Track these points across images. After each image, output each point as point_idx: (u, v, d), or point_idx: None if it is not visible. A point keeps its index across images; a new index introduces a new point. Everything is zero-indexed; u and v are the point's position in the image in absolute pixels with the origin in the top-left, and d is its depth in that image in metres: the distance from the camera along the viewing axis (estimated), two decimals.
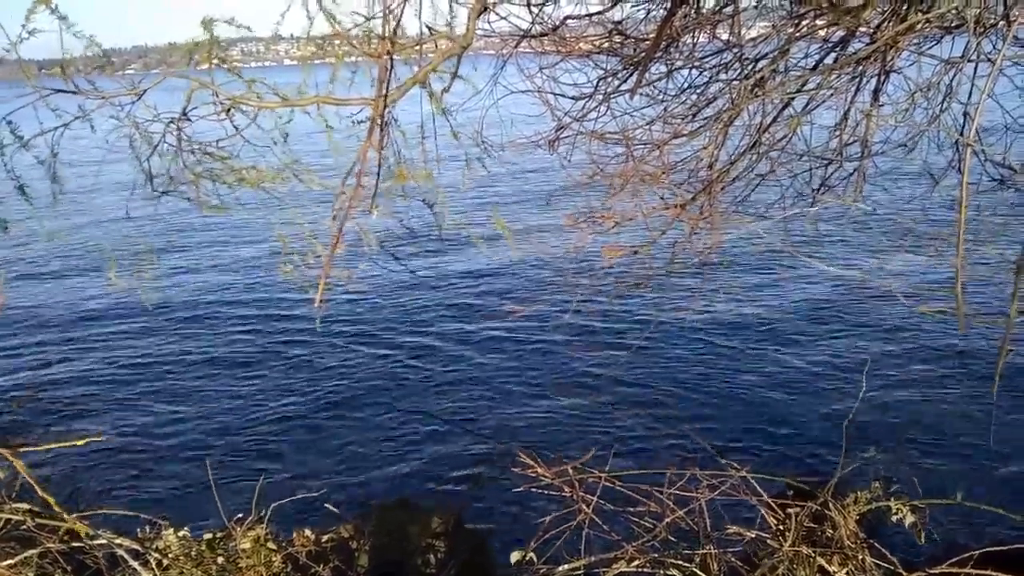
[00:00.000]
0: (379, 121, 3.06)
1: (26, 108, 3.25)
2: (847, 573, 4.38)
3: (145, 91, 3.25)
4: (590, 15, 5.07)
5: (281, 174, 3.61)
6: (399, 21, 3.06)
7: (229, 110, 3.32)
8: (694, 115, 5.09)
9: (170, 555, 5.23)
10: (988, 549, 4.41)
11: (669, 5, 4.53)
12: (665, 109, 5.25)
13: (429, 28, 3.29)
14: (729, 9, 4.88)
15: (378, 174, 3.26)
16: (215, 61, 3.20)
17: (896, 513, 4.75)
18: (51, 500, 4.53)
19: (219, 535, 5.56)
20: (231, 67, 3.24)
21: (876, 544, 4.60)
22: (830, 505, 4.67)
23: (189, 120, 3.42)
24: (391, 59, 3.01)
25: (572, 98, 5.31)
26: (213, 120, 3.44)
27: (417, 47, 3.25)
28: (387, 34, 2.99)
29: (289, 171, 3.59)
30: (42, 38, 3.16)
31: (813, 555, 4.42)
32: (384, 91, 3.00)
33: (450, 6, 3.39)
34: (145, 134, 3.49)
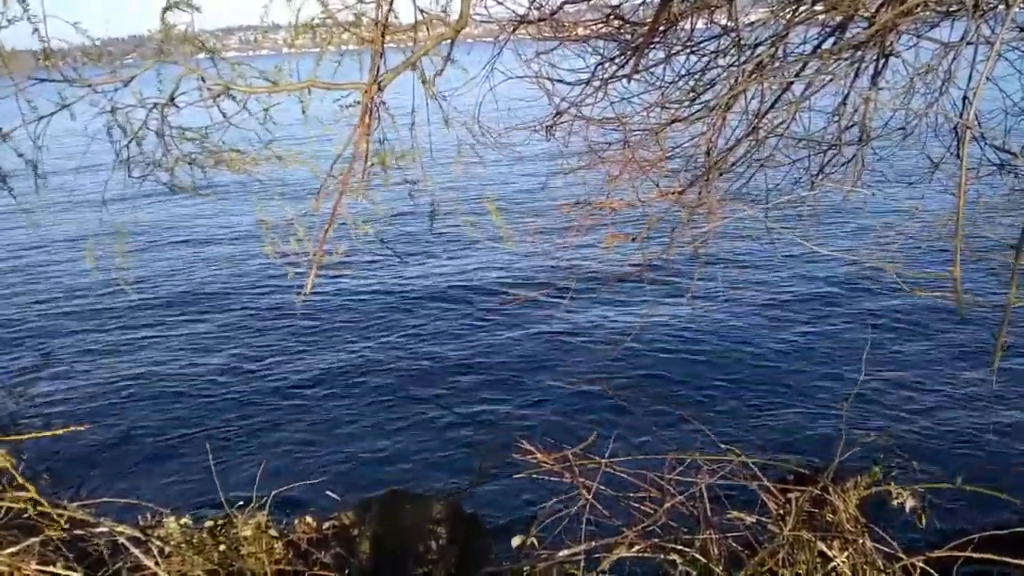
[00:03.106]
0: (370, 105, 3.05)
1: (10, 99, 3.23)
2: (847, 557, 4.39)
3: (132, 78, 3.23)
4: None
5: (263, 158, 3.60)
6: (391, 4, 3.05)
7: (218, 96, 3.30)
8: (692, 101, 5.08)
9: (172, 543, 5.25)
10: (989, 533, 4.41)
11: None
12: (663, 94, 5.24)
13: (422, 11, 3.28)
14: None
15: (366, 159, 3.26)
16: (197, 48, 3.18)
17: (896, 497, 4.75)
18: (32, 490, 4.54)
19: (220, 522, 5.58)
20: (211, 51, 3.21)
21: (876, 528, 4.61)
22: (830, 489, 4.68)
23: (176, 107, 3.40)
24: (383, 42, 3.00)
25: (569, 83, 5.30)
26: (201, 107, 3.42)
27: (410, 31, 3.23)
28: (380, 17, 2.98)
29: (272, 155, 3.58)
30: (40, 28, 3.14)
31: (813, 539, 4.43)
32: (376, 75, 2.99)
33: None
34: (127, 121, 3.47)
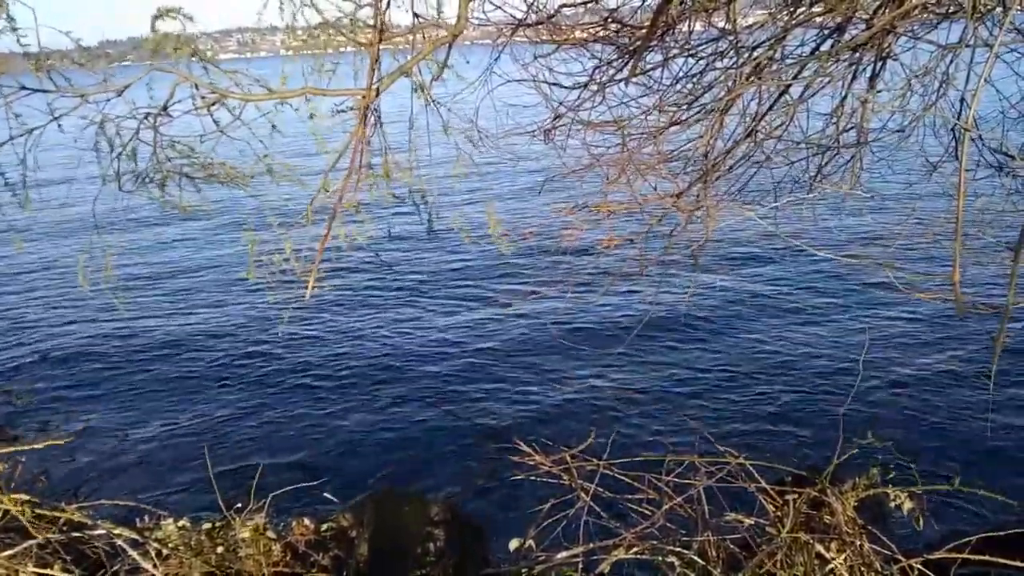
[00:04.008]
0: (367, 111, 3.04)
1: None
2: (845, 559, 4.39)
3: (126, 87, 3.20)
4: (585, 2, 5.06)
5: (254, 169, 3.57)
6: (388, 8, 3.04)
7: (214, 104, 3.28)
8: (690, 104, 5.08)
9: (170, 545, 5.25)
10: (986, 534, 4.43)
11: None
12: (661, 98, 5.23)
13: (416, 15, 3.27)
14: None
15: (360, 166, 3.24)
16: (191, 55, 3.15)
17: (894, 499, 4.76)
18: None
19: (218, 525, 5.59)
20: (203, 57, 3.19)
21: (874, 530, 4.61)
22: (828, 491, 4.69)
23: (169, 116, 3.37)
24: (379, 48, 2.99)
25: (567, 87, 5.30)
26: (194, 115, 3.38)
27: (408, 36, 3.22)
28: (376, 23, 2.97)
29: (264, 166, 3.55)
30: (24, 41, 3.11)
31: (811, 541, 4.44)
32: (372, 81, 2.98)
33: None
34: (117, 131, 3.42)
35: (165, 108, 3.32)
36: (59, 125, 3.29)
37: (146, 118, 3.38)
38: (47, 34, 3.07)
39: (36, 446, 4.90)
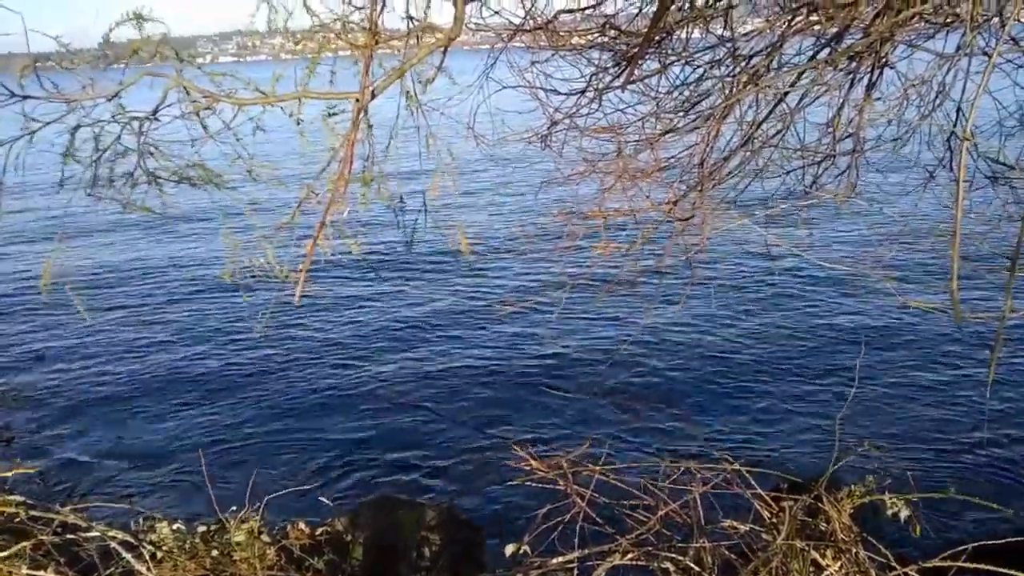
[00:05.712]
0: (360, 115, 3.04)
1: None
2: (841, 566, 4.39)
3: (117, 92, 3.17)
4: (582, 9, 5.07)
5: (232, 171, 3.54)
6: (382, 10, 3.04)
7: (206, 109, 3.25)
8: (686, 111, 5.09)
9: (164, 548, 5.23)
10: (982, 543, 4.42)
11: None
12: (657, 105, 5.24)
13: (411, 19, 3.26)
14: (723, 4, 4.88)
15: (349, 170, 3.23)
16: (179, 60, 3.13)
17: (890, 507, 4.75)
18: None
19: (213, 528, 5.57)
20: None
21: (870, 537, 4.61)
22: (824, 499, 4.68)
23: (157, 120, 3.33)
24: (371, 51, 2.98)
25: (564, 94, 5.30)
26: (183, 120, 3.34)
27: (403, 39, 3.22)
28: (371, 25, 2.97)
29: (246, 168, 3.53)
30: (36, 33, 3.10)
31: (807, 548, 4.43)
32: (366, 83, 2.98)
33: None
34: (99, 134, 3.38)
35: (155, 113, 3.29)
36: (30, 137, 3.24)
37: (129, 123, 3.33)
38: (35, 39, 3.05)
39: (6, 475, 4.89)
